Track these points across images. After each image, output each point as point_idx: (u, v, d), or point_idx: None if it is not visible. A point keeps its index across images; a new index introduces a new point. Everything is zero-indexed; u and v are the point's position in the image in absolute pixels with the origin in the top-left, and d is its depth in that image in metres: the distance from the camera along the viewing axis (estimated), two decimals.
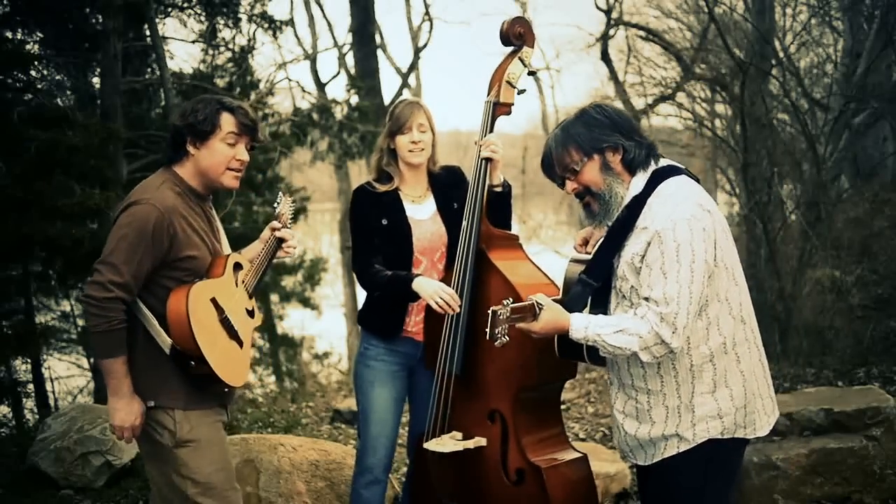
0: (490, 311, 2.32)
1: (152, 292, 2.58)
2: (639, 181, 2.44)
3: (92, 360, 8.43)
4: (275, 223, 2.88)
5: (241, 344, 2.67)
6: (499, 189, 3.15)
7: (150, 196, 2.56)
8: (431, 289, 2.97)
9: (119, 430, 2.58)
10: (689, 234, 2.28)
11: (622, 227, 2.42)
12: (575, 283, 2.54)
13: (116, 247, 2.49)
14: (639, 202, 2.40)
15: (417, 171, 3.23)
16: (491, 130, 3.08)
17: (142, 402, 2.58)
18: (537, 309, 2.41)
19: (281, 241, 2.88)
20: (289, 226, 2.92)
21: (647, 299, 2.32)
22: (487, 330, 2.31)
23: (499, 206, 3.16)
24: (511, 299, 2.38)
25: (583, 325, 2.39)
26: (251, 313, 2.77)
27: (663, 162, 2.50)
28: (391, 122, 3.17)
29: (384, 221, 3.16)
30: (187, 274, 2.59)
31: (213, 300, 2.58)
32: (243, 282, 2.75)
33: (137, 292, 2.55)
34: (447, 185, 3.28)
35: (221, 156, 2.65)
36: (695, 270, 2.28)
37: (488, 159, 3.06)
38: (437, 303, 2.94)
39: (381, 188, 3.21)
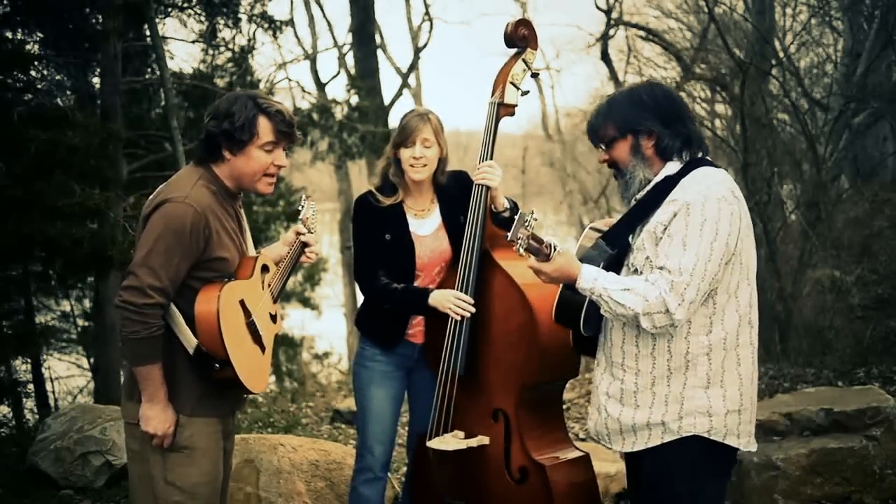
0: (519, 213, 2.32)
1: (179, 292, 2.46)
2: (672, 166, 2.45)
3: (92, 359, 8.44)
4: (300, 227, 2.79)
5: (263, 349, 2.59)
6: (506, 214, 3.11)
7: (185, 194, 2.44)
8: (445, 299, 2.99)
9: (154, 439, 2.49)
10: (716, 213, 2.29)
11: (650, 202, 2.43)
12: (590, 248, 2.54)
13: (153, 249, 2.36)
14: (671, 181, 2.42)
15: (422, 183, 3.17)
16: (495, 131, 3.09)
17: (175, 411, 2.49)
18: (552, 251, 2.39)
19: (305, 245, 2.81)
20: (312, 231, 2.84)
21: (661, 269, 2.31)
22: (510, 232, 2.32)
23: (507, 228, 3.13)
24: (535, 214, 2.37)
25: (592, 277, 2.37)
26: (273, 318, 2.67)
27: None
28: (397, 133, 3.12)
29: (387, 237, 3.13)
30: (216, 275, 2.49)
31: (242, 302, 2.49)
32: (269, 285, 2.65)
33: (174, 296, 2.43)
34: (454, 197, 3.20)
35: (258, 164, 2.54)
36: (714, 249, 2.28)
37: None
38: (452, 310, 2.97)
39: (386, 201, 3.15)
